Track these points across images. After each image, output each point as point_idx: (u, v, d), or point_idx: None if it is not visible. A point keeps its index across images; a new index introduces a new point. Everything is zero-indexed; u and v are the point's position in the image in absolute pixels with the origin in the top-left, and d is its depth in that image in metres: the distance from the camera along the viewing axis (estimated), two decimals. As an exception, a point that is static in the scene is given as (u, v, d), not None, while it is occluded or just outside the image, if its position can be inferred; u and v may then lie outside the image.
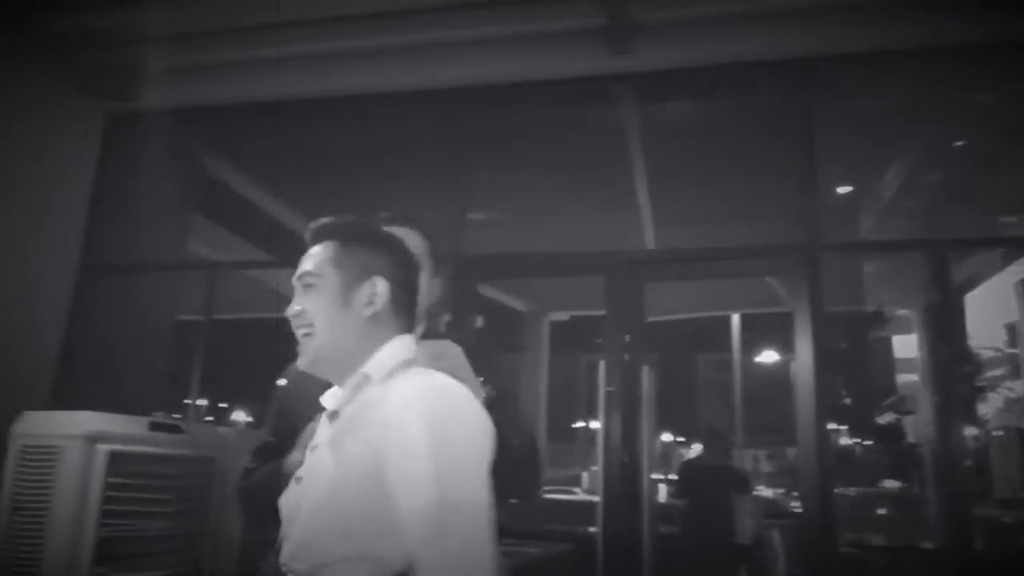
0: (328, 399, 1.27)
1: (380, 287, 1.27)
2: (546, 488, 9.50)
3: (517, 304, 8.42)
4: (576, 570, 4.61)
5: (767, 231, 4.33)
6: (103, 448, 2.67)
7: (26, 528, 2.60)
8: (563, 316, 8.94)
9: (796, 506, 9.42)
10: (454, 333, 1.72)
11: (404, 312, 1.31)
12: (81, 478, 2.62)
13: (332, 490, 1.14)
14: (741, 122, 4.61)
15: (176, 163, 4.80)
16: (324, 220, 1.34)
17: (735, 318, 11.38)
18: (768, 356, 14.93)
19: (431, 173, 4.45)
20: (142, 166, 4.52)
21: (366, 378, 1.22)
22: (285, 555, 1.18)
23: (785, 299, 5.27)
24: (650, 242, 5.44)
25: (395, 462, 1.09)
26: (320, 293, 1.27)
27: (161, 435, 2.87)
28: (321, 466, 1.19)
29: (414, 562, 1.04)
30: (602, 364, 3.70)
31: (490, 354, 1.77)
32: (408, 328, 1.31)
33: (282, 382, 1.64)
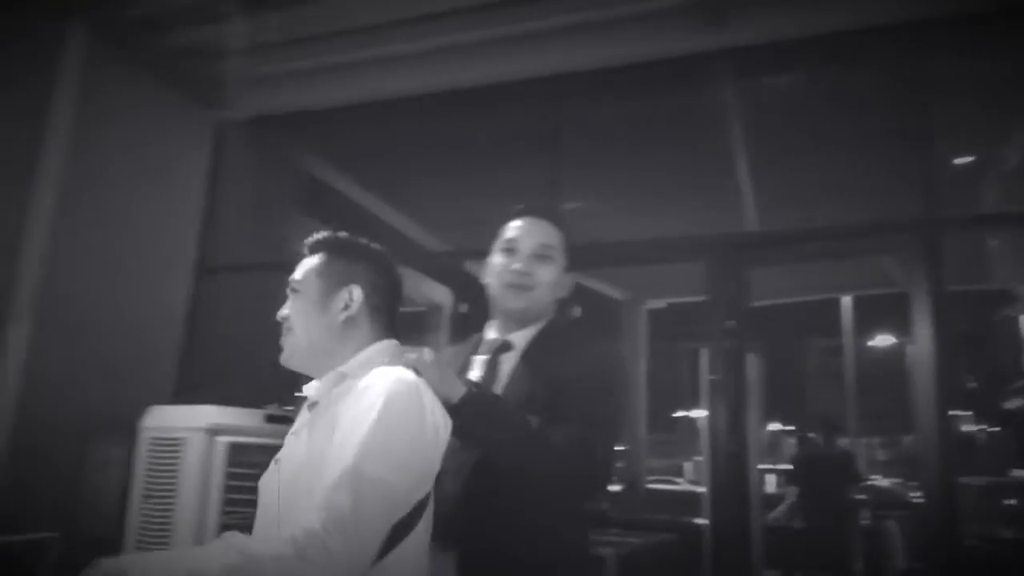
0: (309, 390, 1.41)
1: (356, 294, 1.41)
2: (648, 478, 9.40)
3: (614, 292, 8.34)
4: (682, 560, 4.54)
5: (879, 207, 4.11)
6: (223, 440, 2.81)
7: (157, 515, 2.77)
8: (660, 303, 8.79)
9: (916, 496, 8.96)
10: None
11: (381, 316, 1.44)
12: (204, 468, 2.77)
13: (301, 470, 1.27)
14: (848, 93, 4.37)
15: (281, 166, 5.00)
16: (317, 235, 1.49)
17: (845, 300, 10.88)
18: (882, 340, 14.21)
19: (526, 165, 4.45)
20: (249, 170, 4.73)
21: (342, 375, 1.36)
22: (258, 533, 1.31)
23: (900, 279, 4.99)
24: (753, 224, 5.27)
25: (340, 429, 1.22)
26: (302, 299, 1.43)
27: (276, 427, 2.98)
28: (296, 450, 1.34)
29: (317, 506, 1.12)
30: (704, 352, 3.61)
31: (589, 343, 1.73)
32: (387, 331, 1.45)
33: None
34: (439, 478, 1.41)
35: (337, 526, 1.09)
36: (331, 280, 1.43)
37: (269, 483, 1.36)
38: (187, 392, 4.02)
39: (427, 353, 1.39)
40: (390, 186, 5.75)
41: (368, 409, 1.21)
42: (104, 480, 3.26)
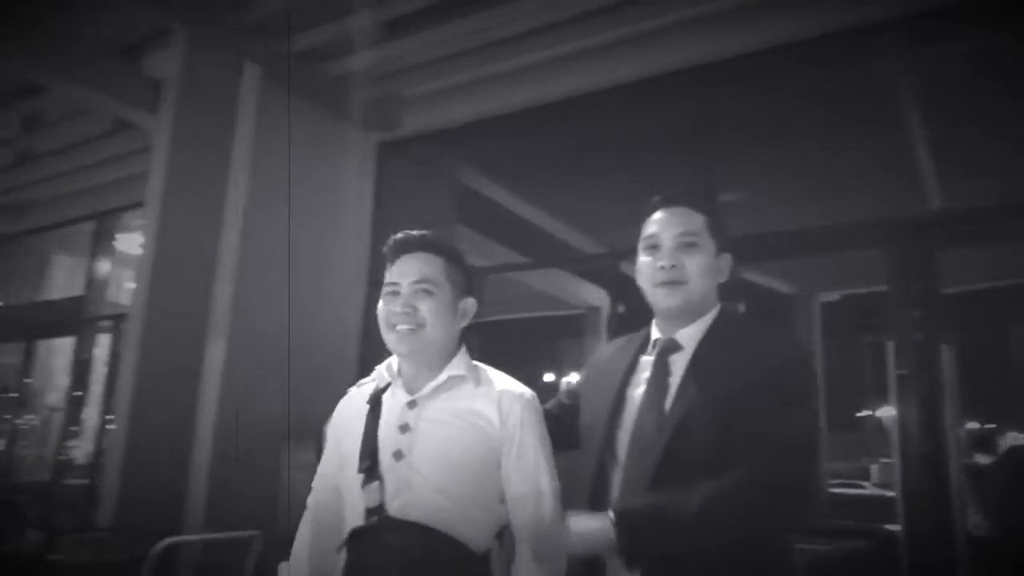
0: (404, 384, 1.52)
1: (471, 307, 1.55)
2: (831, 482, 8.85)
3: (782, 286, 7.94)
4: (874, 570, 4.22)
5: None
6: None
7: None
8: (834, 295, 8.27)
9: None
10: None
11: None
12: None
13: (449, 464, 1.42)
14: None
15: (439, 179, 5.20)
16: (421, 233, 1.57)
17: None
18: (1101, 325, 12.55)
19: (681, 159, 4.34)
20: (410, 185, 4.96)
21: (457, 378, 1.50)
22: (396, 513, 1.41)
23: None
24: (936, 202, 4.82)
25: (512, 456, 1.45)
26: (436, 300, 1.50)
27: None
28: (430, 444, 1.45)
29: (515, 526, 1.44)
30: (890, 345, 3.34)
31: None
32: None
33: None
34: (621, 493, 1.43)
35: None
36: (457, 288, 1.53)
37: (398, 478, 1.43)
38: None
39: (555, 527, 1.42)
40: (543, 191, 5.81)
41: (533, 439, 1.47)
42: (297, 482, 3.51)
